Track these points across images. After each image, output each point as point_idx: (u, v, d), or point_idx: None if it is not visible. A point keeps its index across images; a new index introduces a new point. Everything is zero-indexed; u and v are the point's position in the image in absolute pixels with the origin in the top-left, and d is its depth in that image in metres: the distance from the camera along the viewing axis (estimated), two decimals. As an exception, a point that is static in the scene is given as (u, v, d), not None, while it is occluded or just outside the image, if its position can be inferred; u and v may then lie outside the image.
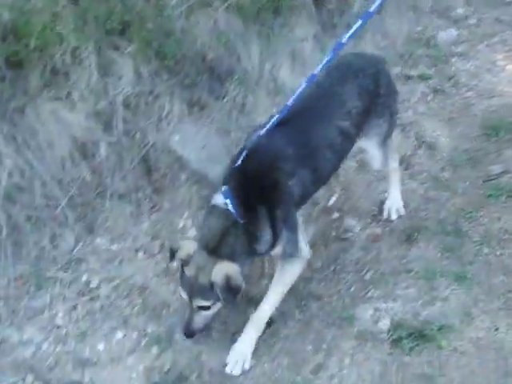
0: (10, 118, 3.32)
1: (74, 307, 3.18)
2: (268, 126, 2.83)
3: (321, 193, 3.57)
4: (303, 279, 3.29)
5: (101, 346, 3.06)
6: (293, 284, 3.03)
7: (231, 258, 2.69)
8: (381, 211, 3.82)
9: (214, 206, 2.76)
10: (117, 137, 3.63)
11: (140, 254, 3.48)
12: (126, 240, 3.50)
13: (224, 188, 2.73)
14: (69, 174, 3.46)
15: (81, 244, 3.42)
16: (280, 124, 2.83)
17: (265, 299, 2.99)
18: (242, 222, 2.70)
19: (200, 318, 2.79)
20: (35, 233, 3.28)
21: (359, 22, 2.75)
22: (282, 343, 3.11)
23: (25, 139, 3.38)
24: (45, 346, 3.04)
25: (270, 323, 3.09)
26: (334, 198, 3.91)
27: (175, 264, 2.93)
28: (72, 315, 3.16)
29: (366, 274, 3.44)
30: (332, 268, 3.51)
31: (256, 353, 3.01)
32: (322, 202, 3.85)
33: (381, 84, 3.14)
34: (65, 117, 3.52)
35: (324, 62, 2.82)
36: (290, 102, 2.85)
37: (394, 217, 3.72)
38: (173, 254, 2.79)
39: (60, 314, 3.15)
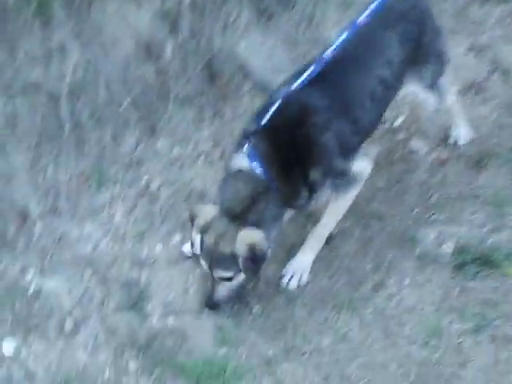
0: (77, 14, 3.21)
1: (133, 208, 3.15)
2: (301, 79, 2.61)
3: (388, 113, 3.39)
4: (365, 198, 3.17)
5: (158, 248, 3.03)
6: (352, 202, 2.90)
7: (257, 224, 2.44)
8: (448, 136, 3.63)
9: (239, 171, 2.50)
10: (182, 39, 3.50)
11: (200, 160, 3.39)
12: (187, 145, 3.42)
13: (248, 149, 2.50)
14: (133, 74, 3.37)
15: (142, 145, 3.36)
16: (313, 75, 2.61)
17: (323, 218, 2.86)
18: (273, 185, 2.48)
19: (223, 290, 2.60)
20: (97, 130, 3.23)
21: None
22: (340, 260, 3.05)
23: (90, 36, 3.28)
24: (103, 243, 3.03)
25: (329, 240, 2.99)
26: (400, 119, 3.72)
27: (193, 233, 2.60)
28: (131, 215, 3.13)
29: (430, 197, 3.31)
30: (395, 189, 3.38)
31: (314, 268, 2.96)
32: (389, 122, 3.67)
33: (424, 30, 2.89)
34: (131, 15, 3.41)
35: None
36: (326, 54, 2.67)
37: (461, 142, 3.53)
38: (192, 220, 2.56)
39: (119, 214, 3.13)
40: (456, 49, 3.79)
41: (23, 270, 2.83)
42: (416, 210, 3.26)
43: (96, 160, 3.21)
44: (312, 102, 2.55)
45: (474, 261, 2.90)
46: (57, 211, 3.05)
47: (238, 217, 2.44)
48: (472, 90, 3.89)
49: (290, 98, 2.57)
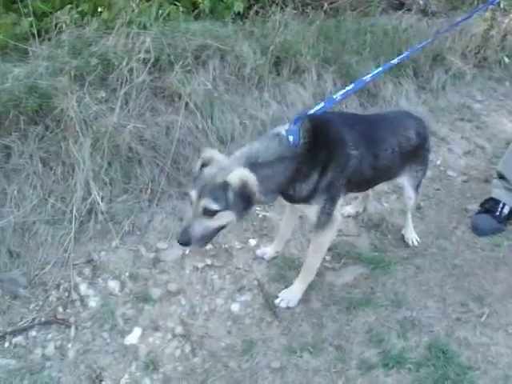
0: None
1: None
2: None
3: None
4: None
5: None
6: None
7: (261, 179, 2.33)
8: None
9: (277, 134, 2.48)
10: None
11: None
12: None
13: (293, 127, 2.48)
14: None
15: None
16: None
17: (307, 257, 2.84)
18: (296, 155, 2.44)
19: (201, 226, 2.33)
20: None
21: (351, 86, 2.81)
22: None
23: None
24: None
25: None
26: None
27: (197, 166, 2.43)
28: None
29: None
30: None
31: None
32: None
33: (425, 140, 3.05)
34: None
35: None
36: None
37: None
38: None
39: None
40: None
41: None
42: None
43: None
44: (349, 125, 2.67)
45: None
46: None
47: (252, 164, 2.36)
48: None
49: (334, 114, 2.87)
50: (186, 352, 2.57)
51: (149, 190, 3.20)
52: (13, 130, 3.14)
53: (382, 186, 3.59)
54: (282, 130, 2.50)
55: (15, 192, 3.01)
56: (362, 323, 2.72)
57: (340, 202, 2.70)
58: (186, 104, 3.46)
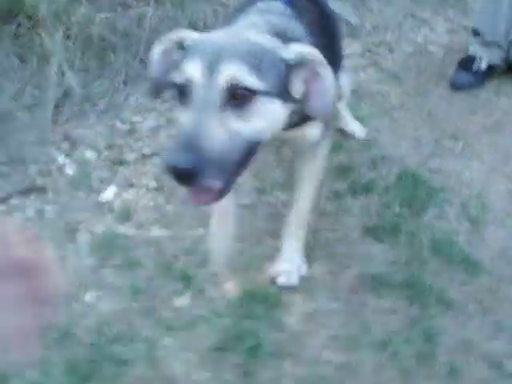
0: None
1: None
2: None
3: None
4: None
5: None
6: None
7: None
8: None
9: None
10: None
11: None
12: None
13: None
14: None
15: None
16: None
17: (299, 195, 2.03)
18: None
19: (223, 128, 1.18)
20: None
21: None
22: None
23: None
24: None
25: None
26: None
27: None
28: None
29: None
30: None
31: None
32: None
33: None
34: None
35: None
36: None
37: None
38: None
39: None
40: None
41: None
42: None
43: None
44: None
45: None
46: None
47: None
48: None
49: None
50: (159, 202, 2.57)
51: (123, 74, 3.19)
52: (-13, 31, 3.18)
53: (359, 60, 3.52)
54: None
55: (-6, 86, 3.05)
56: (334, 163, 2.66)
57: None
58: (156, -4, 3.44)
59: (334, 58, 1.77)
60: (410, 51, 3.74)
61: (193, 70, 1.18)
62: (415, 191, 2.42)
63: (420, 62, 3.66)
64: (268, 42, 1.30)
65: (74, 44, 3.15)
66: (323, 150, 1.91)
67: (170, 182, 2.60)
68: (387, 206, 2.36)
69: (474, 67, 3.30)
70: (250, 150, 1.25)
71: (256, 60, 1.19)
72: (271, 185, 2.56)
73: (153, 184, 2.64)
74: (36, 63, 3.13)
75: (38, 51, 3.14)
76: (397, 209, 2.34)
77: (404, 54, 3.63)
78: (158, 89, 1.49)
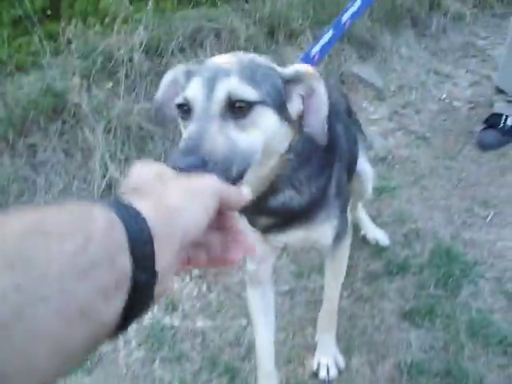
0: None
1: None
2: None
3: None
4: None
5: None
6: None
7: None
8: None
9: None
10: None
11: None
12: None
13: None
14: None
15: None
16: None
17: (327, 290, 2.13)
18: None
19: (224, 135, 1.17)
20: None
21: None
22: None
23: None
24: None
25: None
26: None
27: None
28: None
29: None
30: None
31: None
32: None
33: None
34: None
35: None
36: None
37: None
38: None
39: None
40: None
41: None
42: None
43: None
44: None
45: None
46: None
47: None
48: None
49: None
50: (203, 290, 2.66)
51: (162, 161, 3.33)
52: (35, 129, 3.39)
53: (387, 124, 3.58)
54: None
55: (43, 182, 3.23)
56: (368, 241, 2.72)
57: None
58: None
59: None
60: (436, 109, 3.78)
61: (194, 87, 1.26)
62: (449, 268, 2.45)
63: (446, 121, 3.70)
64: (264, 59, 1.39)
65: (114, 136, 3.33)
66: (342, 252, 1.92)
67: (212, 270, 2.73)
68: (422, 286, 2.38)
69: (501, 124, 3.32)
70: (247, 161, 1.22)
71: (251, 72, 1.28)
72: (309, 268, 2.62)
73: (195, 271, 2.74)
74: (81, 157, 3.32)
75: (82, 145, 3.34)
76: (432, 289, 2.36)
77: (430, 114, 3.66)
78: (162, 116, 1.53)
